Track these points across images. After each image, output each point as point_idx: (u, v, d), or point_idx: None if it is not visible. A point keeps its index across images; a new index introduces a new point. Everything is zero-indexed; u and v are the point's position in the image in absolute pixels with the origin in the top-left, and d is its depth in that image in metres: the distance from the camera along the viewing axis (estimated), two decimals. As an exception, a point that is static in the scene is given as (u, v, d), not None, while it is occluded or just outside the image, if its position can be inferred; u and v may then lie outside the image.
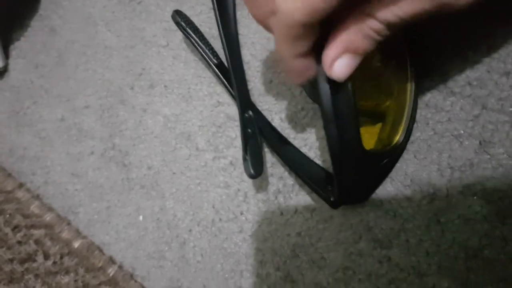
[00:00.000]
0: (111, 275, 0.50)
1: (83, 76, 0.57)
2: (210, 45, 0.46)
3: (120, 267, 0.50)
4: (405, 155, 0.37)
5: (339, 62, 0.25)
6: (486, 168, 0.34)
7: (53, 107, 0.58)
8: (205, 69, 0.48)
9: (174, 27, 0.50)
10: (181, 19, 0.46)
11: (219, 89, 0.47)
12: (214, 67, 0.46)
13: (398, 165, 0.37)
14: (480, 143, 0.35)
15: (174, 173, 0.48)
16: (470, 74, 0.35)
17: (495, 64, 0.35)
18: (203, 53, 0.46)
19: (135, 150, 0.51)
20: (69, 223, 0.55)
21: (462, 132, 0.35)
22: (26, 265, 0.48)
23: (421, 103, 0.37)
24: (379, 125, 0.37)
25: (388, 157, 0.36)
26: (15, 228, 0.51)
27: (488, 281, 0.33)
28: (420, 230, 0.36)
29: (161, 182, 0.49)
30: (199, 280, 0.45)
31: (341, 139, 0.29)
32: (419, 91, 0.37)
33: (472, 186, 0.34)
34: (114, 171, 0.52)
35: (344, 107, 0.28)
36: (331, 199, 0.35)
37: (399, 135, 0.36)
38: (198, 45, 0.47)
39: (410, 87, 0.36)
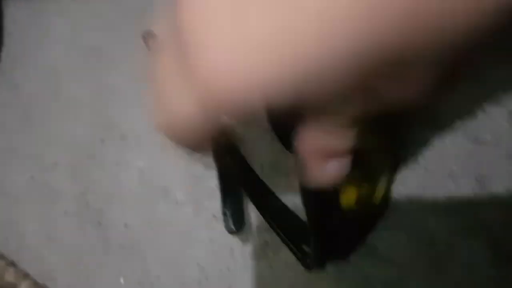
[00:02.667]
0: None
1: (49, 132, 0.54)
2: None
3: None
4: (397, 196, 0.34)
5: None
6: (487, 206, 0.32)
7: (20, 165, 0.55)
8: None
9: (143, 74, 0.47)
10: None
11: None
12: None
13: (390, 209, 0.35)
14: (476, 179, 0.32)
15: (153, 229, 0.45)
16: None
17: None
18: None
19: (110, 208, 0.48)
20: (47, 290, 0.51)
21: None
22: None
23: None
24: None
25: (372, 211, 0.33)
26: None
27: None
28: (418, 277, 0.33)
29: (140, 240, 0.46)
30: None
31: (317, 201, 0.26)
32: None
33: (473, 227, 0.32)
34: (90, 231, 0.49)
35: None
36: (307, 261, 0.32)
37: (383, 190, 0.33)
38: None
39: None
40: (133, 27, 0.49)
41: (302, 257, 0.33)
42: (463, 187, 0.32)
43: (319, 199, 0.26)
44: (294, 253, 0.34)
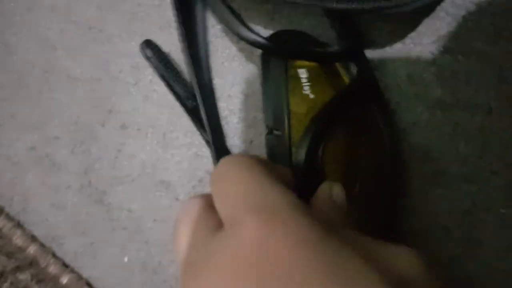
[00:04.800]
0: (103, 315, 0.51)
1: (48, 104, 0.53)
2: (186, 85, 0.43)
3: (112, 306, 0.52)
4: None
5: None
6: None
7: (21, 133, 0.55)
8: (180, 116, 0.46)
9: (142, 63, 0.47)
10: (152, 53, 0.43)
11: (197, 140, 0.45)
12: (187, 112, 0.43)
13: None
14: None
15: (155, 220, 0.48)
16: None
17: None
18: (176, 96, 0.44)
19: (114, 191, 0.50)
20: (54, 255, 0.55)
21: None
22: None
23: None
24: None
25: None
26: (1, 277, 0.51)
27: None
28: None
29: (143, 227, 0.49)
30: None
31: None
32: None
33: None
34: (94, 209, 0.51)
35: None
36: None
37: None
38: (171, 86, 0.44)
39: None
40: (131, 5, 0.47)
41: None
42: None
43: None
44: None
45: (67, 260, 0.54)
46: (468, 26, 0.32)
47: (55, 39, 0.52)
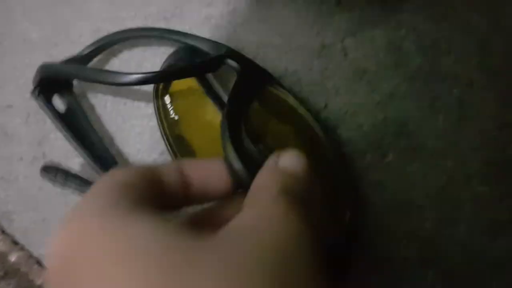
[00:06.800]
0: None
1: (1, 69, 0.49)
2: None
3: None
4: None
5: None
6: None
7: (-30, 99, 0.52)
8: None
9: (104, 27, 0.43)
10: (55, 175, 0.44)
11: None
12: None
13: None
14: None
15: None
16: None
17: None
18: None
19: (69, 164, 0.47)
20: (3, 231, 0.51)
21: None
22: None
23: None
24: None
25: None
26: None
27: None
28: None
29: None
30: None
31: None
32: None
33: None
34: (47, 183, 0.48)
35: None
36: None
37: None
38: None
39: None
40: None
41: None
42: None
43: None
44: None
45: (18, 237, 0.51)
46: (452, -8, 0.31)
47: (13, 0, 0.48)
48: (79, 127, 0.42)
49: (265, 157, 0.26)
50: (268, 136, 0.33)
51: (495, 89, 0.31)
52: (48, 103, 0.41)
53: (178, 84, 0.37)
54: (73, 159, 0.46)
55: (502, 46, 0.31)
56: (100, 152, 0.42)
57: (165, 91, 0.38)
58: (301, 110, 0.33)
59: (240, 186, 0.26)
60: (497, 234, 0.31)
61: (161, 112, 0.39)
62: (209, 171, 0.27)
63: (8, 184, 0.50)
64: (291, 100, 0.34)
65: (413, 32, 0.32)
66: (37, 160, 0.48)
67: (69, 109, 0.43)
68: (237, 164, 0.26)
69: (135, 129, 0.43)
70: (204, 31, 0.39)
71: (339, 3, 0.34)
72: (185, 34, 0.38)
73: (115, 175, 0.24)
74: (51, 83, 0.42)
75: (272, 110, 0.35)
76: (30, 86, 0.47)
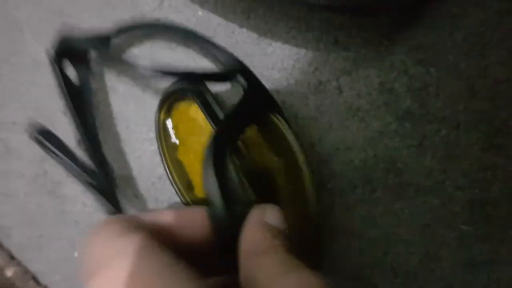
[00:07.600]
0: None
1: (6, 86, 0.51)
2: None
3: (57, 302, 0.49)
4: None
5: None
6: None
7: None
8: (145, 109, 0.44)
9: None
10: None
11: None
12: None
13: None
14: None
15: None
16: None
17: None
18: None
19: (69, 182, 0.48)
20: (1, 246, 0.52)
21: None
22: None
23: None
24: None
25: None
26: None
27: None
28: None
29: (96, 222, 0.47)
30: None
31: None
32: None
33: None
34: (46, 200, 0.49)
35: None
36: None
37: None
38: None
39: None
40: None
41: None
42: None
43: None
44: None
45: (14, 252, 0.52)
46: (442, 39, 0.32)
47: (22, 21, 0.50)
48: (84, 105, 0.43)
49: (246, 194, 0.27)
50: (258, 164, 0.34)
51: (480, 131, 0.32)
52: (62, 69, 0.42)
53: (181, 109, 0.39)
54: (73, 180, 0.47)
55: (488, 90, 0.32)
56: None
57: (168, 115, 0.39)
58: (296, 147, 0.34)
59: (217, 225, 0.27)
60: (478, 272, 0.33)
61: (162, 135, 0.40)
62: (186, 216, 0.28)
63: (7, 199, 0.52)
64: (288, 133, 0.35)
65: (405, 74, 0.33)
66: (38, 177, 0.49)
67: (81, 85, 0.44)
68: (218, 203, 0.27)
69: (135, 153, 0.45)
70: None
71: (336, 43, 0.36)
72: (207, 41, 0.38)
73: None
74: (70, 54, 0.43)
75: (269, 138, 0.36)
76: (34, 105, 0.49)
